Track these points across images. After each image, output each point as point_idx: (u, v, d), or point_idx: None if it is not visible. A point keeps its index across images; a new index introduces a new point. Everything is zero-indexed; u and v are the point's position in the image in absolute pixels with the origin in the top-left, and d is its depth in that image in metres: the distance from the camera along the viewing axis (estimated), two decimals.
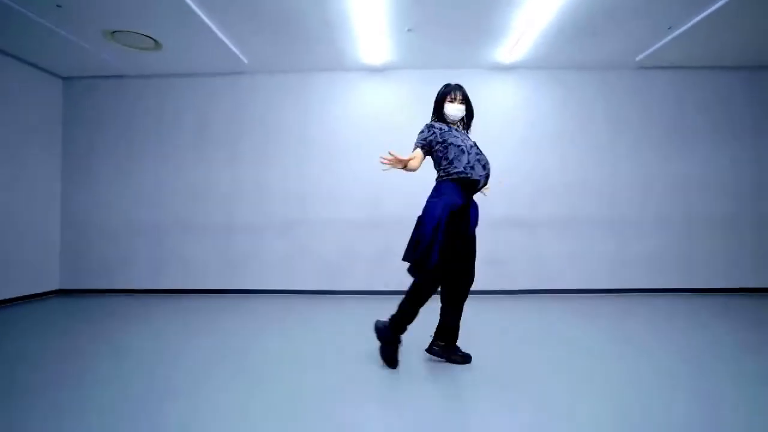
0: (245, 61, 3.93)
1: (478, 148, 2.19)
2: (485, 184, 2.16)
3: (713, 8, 3.07)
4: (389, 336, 2.09)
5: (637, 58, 3.93)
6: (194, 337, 2.68)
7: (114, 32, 3.38)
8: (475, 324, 2.81)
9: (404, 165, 2.03)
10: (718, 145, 4.10)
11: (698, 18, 3.22)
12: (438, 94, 2.25)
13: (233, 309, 3.54)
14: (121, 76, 4.19)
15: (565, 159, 4.12)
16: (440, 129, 2.14)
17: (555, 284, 4.08)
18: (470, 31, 3.45)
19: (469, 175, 2.06)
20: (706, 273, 4.06)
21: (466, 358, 2.16)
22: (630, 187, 4.10)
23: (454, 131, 2.15)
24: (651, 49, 3.75)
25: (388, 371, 2.04)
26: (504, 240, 4.07)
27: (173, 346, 2.48)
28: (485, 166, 2.14)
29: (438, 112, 2.23)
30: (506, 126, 4.14)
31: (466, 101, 2.23)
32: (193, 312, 3.42)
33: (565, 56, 3.89)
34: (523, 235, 4.09)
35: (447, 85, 2.25)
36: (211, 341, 2.57)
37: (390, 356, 2.09)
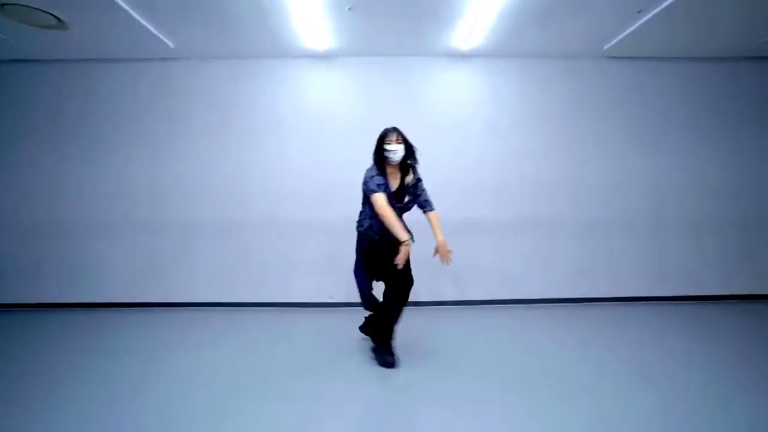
0: (171, 45, 3.47)
1: (403, 200, 2.52)
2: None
3: None
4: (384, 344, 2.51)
5: (605, 47, 3.61)
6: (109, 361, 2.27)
7: (3, 4, 2.90)
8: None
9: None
10: (696, 141, 3.81)
11: (667, 2, 2.89)
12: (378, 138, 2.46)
13: (153, 324, 3.14)
14: (30, 60, 3.67)
15: (529, 155, 3.78)
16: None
17: (516, 293, 3.76)
18: (420, 14, 3.06)
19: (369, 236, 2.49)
20: (676, 279, 3.79)
21: (388, 363, 2.42)
22: (599, 184, 3.79)
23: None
24: (620, 37, 3.42)
25: None
26: (465, 246, 3.72)
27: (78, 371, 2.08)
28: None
29: (378, 155, 2.44)
30: (464, 119, 3.78)
31: (404, 141, 2.44)
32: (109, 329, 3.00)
33: (528, 43, 3.54)
34: (484, 240, 3.75)
35: (382, 132, 2.46)
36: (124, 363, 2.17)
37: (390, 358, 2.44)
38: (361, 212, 2.57)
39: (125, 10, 2.89)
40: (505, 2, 2.86)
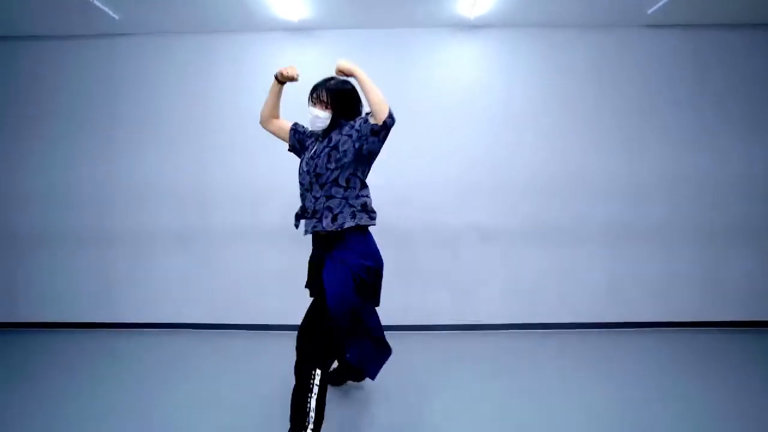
0: (115, 17, 2.87)
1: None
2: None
3: None
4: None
5: (649, 11, 2.88)
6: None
7: None
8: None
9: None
10: (761, 130, 3.08)
11: None
12: None
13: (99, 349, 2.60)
14: None
15: (547, 146, 3.11)
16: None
17: (530, 315, 3.12)
18: None
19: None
20: (736, 300, 3.09)
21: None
22: (633, 182, 3.10)
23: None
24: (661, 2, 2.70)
25: None
26: (470, 257, 3.09)
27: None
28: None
29: None
30: (469, 104, 3.10)
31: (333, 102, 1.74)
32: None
33: (549, 8, 2.84)
34: (492, 249, 3.10)
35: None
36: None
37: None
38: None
39: None
40: None
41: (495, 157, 3.10)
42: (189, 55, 3.13)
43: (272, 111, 1.88)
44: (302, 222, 1.73)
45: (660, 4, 2.77)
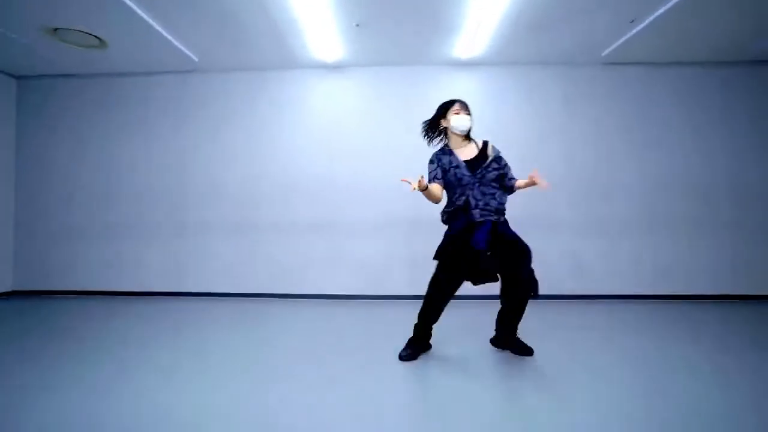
0: (195, 59, 3.82)
1: (483, 173, 2.20)
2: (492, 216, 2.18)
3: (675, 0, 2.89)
4: (413, 338, 2.28)
5: (603, 53, 3.75)
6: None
7: (56, 29, 3.30)
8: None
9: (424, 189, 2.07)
10: (692, 144, 3.90)
11: (662, 10, 3.03)
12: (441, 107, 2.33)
13: (199, 311, 3.46)
14: (73, 75, 4.11)
15: (532, 161, 3.94)
16: (439, 160, 2.25)
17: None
18: (421, 26, 3.30)
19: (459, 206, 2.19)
20: (667, 279, 3.87)
21: (525, 350, 2.27)
22: (600, 188, 3.92)
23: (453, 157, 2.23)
24: (616, 44, 3.56)
25: None
26: None
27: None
28: (480, 202, 2.16)
29: (434, 125, 2.36)
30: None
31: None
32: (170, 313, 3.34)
33: (527, 51, 3.72)
34: None
35: (446, 101, 2.33)
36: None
37: (410, 353, 2.21)
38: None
39: (156, 29, 3.25)
40: (503, 11, 3.06)
41: None
42: (247, 85, 4.08)
43: (438, 197, 2.19)
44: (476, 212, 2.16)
45: (612, 47, 3.64)
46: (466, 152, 2.25)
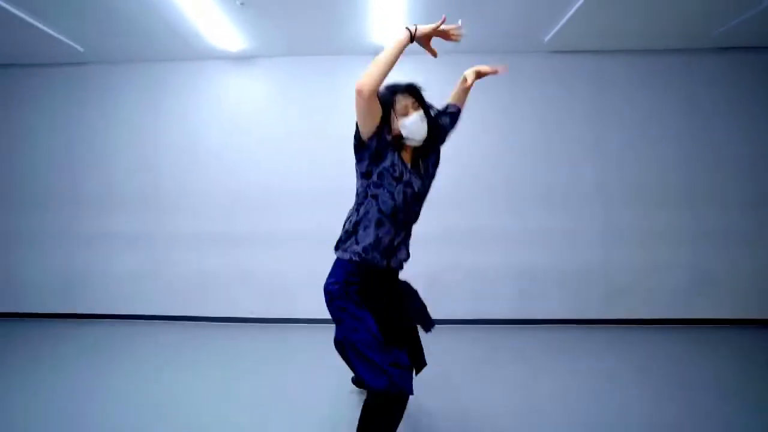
0: (81, 49, 3.34)
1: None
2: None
3: None
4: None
5: (546, 39, 3.24)
6: None
7: None
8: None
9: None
10: (644, 141, 3.40)
11: None
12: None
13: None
14: None
15: (466, 163, 3.46)
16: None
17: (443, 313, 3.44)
18: (319, 11, 2.82)
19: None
20: (625, 299, 3.38)
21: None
22: (546, 194, 3.43)
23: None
24: (557, 27, 3.06)
25: None
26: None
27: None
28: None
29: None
30: None
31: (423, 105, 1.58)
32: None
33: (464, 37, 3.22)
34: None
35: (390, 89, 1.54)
36: None
37: None
38: (347, 222, 1.54)
39: (21, 17, 2.77)
40: None
41: None
42: (142, 79, 3.58)
43: (384, 79, 1.39)
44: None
45: (553, 32, 3.14)
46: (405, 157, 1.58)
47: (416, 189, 1.52)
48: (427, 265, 3.39)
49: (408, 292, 1.65)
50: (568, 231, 3.41)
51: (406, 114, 1.49)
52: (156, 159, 3.57)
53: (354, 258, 1.45)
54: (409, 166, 1.53)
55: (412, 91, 1.54)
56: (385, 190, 1.45)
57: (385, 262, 1.49)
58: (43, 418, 1.96)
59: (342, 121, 3.38)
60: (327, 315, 1.51)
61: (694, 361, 2.62)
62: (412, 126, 1.48)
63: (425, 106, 1.56)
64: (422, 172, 1.57)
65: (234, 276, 3.50)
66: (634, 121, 3.40)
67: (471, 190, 3.45)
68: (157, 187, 3.56)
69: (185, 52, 3.40)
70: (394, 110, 1.49)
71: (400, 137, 1.51)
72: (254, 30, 3.10)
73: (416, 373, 1.54)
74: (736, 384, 2.26)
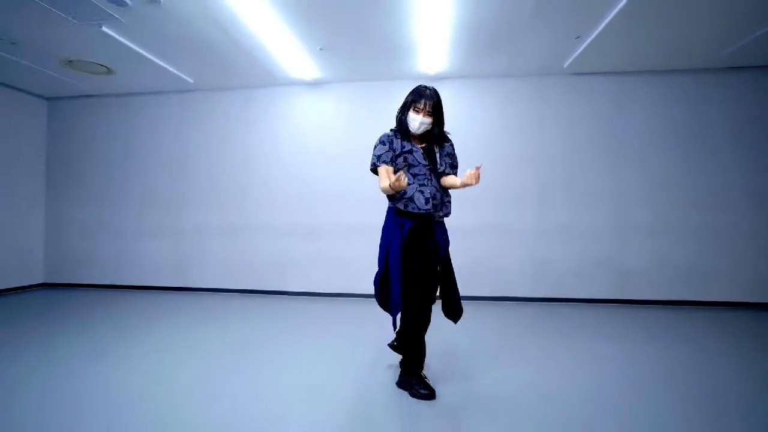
0: (191, 81, 4.31)
1: (434, 171, 2.00)
2: (437, 215, 2.02)
3: (613, 14, 2.98)
4: (408, 378, 1.97)
5: (565, 65, 3.86)
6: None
7: (70, 61, 3.87)
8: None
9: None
10: (658, 154, 3.93)
11: (602, 25, 3.13)
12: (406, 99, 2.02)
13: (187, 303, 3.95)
14: (93, 95, 4.73)
15: (498, 168, 4.12)
16: (390, 141, 1.99)
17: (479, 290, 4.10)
18: (379, 46, 3.58)
19: (406, 208, 1.95)
20: (639, 283, 3.91)
21: (428, 395, 1.90)
22: (566, 197, 4.04)
23: (410, 147, 1.98)
24: (574, 55, 3.67)
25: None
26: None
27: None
28: (429, 200, 1.94)
29: (400, 120, 2.02)
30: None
31: (435, 112, 1.98)
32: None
33: (489, 64, 3.90)
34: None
35: (417, 92, 1.98)
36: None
37: (421, 392, 1.90)
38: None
39: (152, 60, 3.75)
40: (450, 33, 3.28)
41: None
42: (236, 102, 4.52)
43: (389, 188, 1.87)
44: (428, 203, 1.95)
45: (574, 56, 3.75)
46: (420, 142, 2.05)
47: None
48: (468, 251, 4.09)
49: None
50: (585, 226, 3.99)
51: (417, 113, 1.95)
52: (245, 166, 4.49)
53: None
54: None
55: (434, 100, 1.96)
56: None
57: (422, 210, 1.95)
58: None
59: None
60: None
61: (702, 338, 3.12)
62: (412, 122, 1.96)
63: (439, 120, 2.00)
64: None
65: (310, 259, 4.35)
66: (648, 133, 3.94)
67: (502, 191, 4.10)
68: (249, 187, 4.48)
69: (268, 79, 4.30)
70: (414, 107, 1.95)
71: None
72: (327, 64, 3.93)
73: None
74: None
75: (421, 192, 1.94)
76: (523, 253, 4.07)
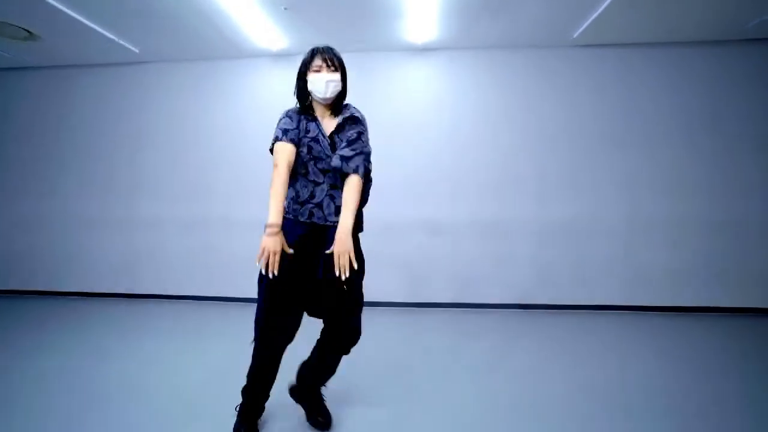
0: (136, 51, 3.64)
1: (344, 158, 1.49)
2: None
3: None
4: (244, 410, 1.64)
5: (575, 35, 3.32)
6: None
7: None
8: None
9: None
10: (675, 135, 3.45)
11: None
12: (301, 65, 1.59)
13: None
14: (17, 69, 4.00)
15: (493, 152, 3.60)
16: (298, 120, 1.56)
17: (477, 297, 3.62)
18: (356, 9, 2.99)
19: (310, 218, 1.53)
20: (651, 287, 3.47)
21: (323, 424, 1.67)
22: (566, 182, 3.54)
23: (316, 131, 1.54)
24: (587, 23, 3.13)
25: None
26: (419, 246, 3.63)
27: None
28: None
29: (301, 91, 1.59)
30: (423, 116, 3.65)
31: (341, 65, 1.57)
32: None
33: (486, 34, 3.34)
34: (443, 242, 3.63)
35: (308, 53, 1.58)
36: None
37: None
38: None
39: (86, 24, 3.08)
40: None
41: (447, 162, 3.63)
42: (192, 77, 3.87)
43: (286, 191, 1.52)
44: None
45: (583, 27, 3.21)
46: (326, 124, 1.58)
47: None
48: (456, 252, 3.60)
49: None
50: (593, 220, 3.51)
51: (318, 71, 1.53)
52: (200, 149, 3.87)
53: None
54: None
55: (329, 53, 1.55)
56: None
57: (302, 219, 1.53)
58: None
59: (380, 116, 3.57)
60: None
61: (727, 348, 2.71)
62: (317, 85, 1.52)
63: (344, 75, 1.57)
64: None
65: None
66: (663, 114, 3.45)
67: (499, 179, 3.58)
68: (205, 175, 3.87)
69: (229, 50, 3.65)
70: (308, 68, 1.54)
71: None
72: (294, 30, 3.31)
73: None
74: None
75: (332, 197, 1.54)
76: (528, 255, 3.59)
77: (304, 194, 1.54)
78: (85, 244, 4.00)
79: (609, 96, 3.50)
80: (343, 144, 1.52)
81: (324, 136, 1.54)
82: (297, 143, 1.51)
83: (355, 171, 1.48)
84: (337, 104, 1.59)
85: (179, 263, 3.91)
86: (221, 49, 3.62)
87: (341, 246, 1.40)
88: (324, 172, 1.53)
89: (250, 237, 3.72)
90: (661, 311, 3.44)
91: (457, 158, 3.62)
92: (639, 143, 3.47)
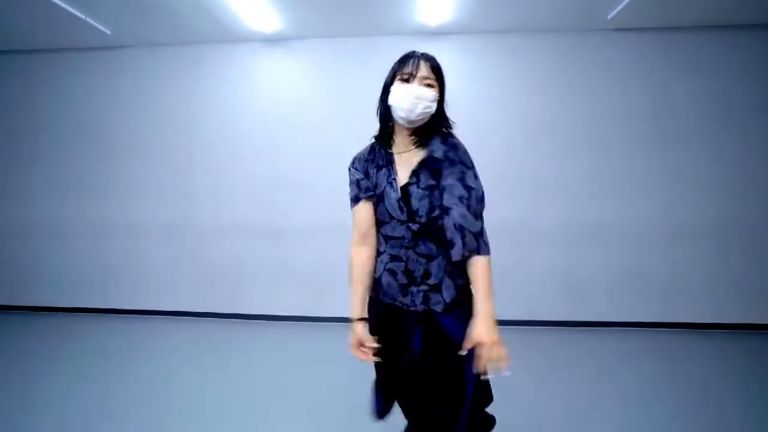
0: (108, 32, 3.17)
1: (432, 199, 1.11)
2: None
3: None
4: None
5: (609, 16, 2.93)
6: None
7: None
8: None
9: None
10: (722, 133, 3.07)
11: None
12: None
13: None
14: None
15: (515, 150, 3.21)
16: (364, 164, 1.20)
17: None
18: None
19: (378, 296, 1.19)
20: (692, 301, 3.11)
21: None
22: (594, 185, 3.16)
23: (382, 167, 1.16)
24: (624, 2, 2.74)
25: None
26: None
27: None
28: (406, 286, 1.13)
29: (383, 108, 1.18)
30: None
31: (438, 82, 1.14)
32: None
33: (511, 16, 2.94)
34: None
35: (401, 58, 1.16)
36: None
37: None
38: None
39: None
40: None
41: None
42: (173, 63, 3.40)
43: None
44: None
45: (619, 8, 2.82)
46: (402, 168, 1.15)
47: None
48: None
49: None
50: (622, 225, 3.13)
51: (406, 81, 1.11)
52: (188, 143, 3.41)
53: None
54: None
55: (429, 60, 1.14)
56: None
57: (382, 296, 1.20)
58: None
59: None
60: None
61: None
62: (400, 101, 1.10)
63: (441, 93, 1.15)
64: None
65: (274, 269, 3.35)
66: (706, 106, 3.07)
67: (518, 180, 3.19)
68: (189, 172, 3.41)
69: (216, 33, 3.20)
70: (395, 76, 1.14)
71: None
72: (290, 10, 2.88)
73: None
74: None
75: (392, 273, 1.15)
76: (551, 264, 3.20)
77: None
78: (46, 254, 3.53)
79: (649, 85, 3.10)
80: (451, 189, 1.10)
81: (395, 188, 1.13)
82: (372, 196, 1.17)
83: (475, 252, 1.08)
84: (425, 129, 1.15)
85: (158, 274, 3.46)
86: (206, 31, 3.17)
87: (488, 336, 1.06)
88: (386, 238, 1.16)
89: (242, 244, 3.36)
90: (700, 329, 3.08)
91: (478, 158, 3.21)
92: (683, 139, 3.09)
